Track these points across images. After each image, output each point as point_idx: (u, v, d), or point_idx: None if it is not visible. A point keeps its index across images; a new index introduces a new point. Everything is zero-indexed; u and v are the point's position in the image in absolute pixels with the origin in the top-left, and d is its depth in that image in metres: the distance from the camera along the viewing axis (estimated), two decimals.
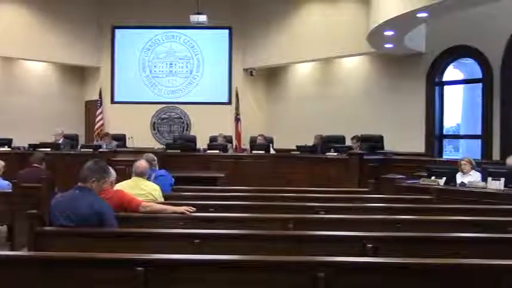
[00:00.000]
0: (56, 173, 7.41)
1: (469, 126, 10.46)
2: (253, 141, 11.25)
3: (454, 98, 10.67)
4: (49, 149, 9.61)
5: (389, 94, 11.05)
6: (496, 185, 6.38)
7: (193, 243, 3.37)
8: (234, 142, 12.24)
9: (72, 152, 9.87)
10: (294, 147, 10.27)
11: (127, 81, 13.23)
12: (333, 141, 10.16)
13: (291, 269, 2.69)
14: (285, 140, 11.82)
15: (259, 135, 11.22)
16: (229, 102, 13.15)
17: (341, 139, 10.48)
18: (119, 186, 4.64)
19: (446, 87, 10.53)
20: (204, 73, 13.30)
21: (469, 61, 10.11)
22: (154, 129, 13.23)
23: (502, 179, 6.39)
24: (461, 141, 11.03)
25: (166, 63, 13.33)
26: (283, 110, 13.34)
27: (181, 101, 13.22)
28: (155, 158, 5.98)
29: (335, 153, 9.34)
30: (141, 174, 4.91)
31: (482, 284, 2.68)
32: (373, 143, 9.82)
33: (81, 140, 12.13)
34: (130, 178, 4.93)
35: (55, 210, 3.55)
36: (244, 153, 10.92)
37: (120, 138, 11.23)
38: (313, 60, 12.39)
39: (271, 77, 13.75)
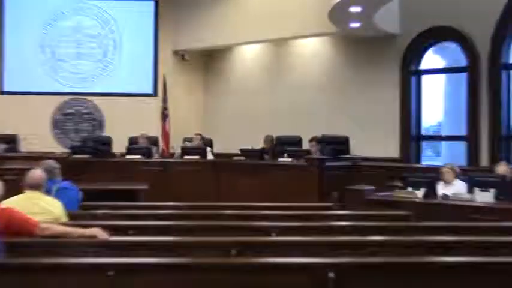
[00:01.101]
0: None
1: (452, 126, 10.75)
2: (187, 141, 11.21)
3: (435, 90, 10.94)
4: None
5: (356, 85, 11.22)
6: (485, 197, 6.57)
7: (107, 277, 3.30)
8: (161, 145, 12.10)
9: None
10: (238, 151, 10.27)
11: (20, 65, 12.85)
12: (286, 144, 10.22)
13: None
14: (227, 142, 11.80)
15: (196, 134, 11.18)
16: (155, 94, 13.00)
17: (297, 141, 10.55)
18: (7, 203, 4.48)
19: (424, 77, 10.79)
20: (122, 56, 13.09)
21: (452, 45, 10.40)
22: (56, 128, 12.91)
23: (492, 190, 6.59)
24: (443, 143, 11.33)
25: (73, 43, 13.04)
26: (224, 104, 13.30)
27: (92, 92, 12.97)
28: (57, 166, 5.89)
29: (289, 159, 9.39)
30: (36, 187, 4.79)
31: None
32: (337, 145, 9.94)
33: None
34: (22, 192, 4.78)
35: None
36: (174, 159, 10.83)
37: (10, 140, 10.95)
38: (262, 42, 12.41)
39: (209, 62, 13.68)
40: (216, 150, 11.22)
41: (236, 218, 5.50)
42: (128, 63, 13.10)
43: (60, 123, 12.96)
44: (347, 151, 10.06)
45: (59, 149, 12.06)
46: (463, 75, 10.14)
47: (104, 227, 4.22)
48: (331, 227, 5.17)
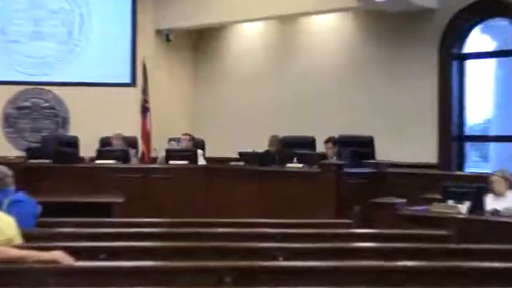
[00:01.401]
0: None
1: (504, 123, 10.73)
2: (172, 141, 11.22)
3: (482, 78, 10.93)
4: None
5: (383, 72, 11.22)
6: None
7: None
8: (141, 147, 12.12)
9: None
10: (236, 155, 10.29)
11: None
12: (296, 146, 10.25)
13: None
14: (222, 144, 11.84)
15: (184, 135, 11.17)
16: (133, 83, 13.02)
17: (309, 142, 10.58)
18: None
19: (469, 63, 10.80)
20: (91, 36, 13.10)
21: (503, 22, 10.38)
22: (7, 126, 12.93)
23: None
24: (492, 145, 11.33)
25: (30, 20, 13.04)
26: (218, 95, 13.31)
27: (53, 81, 12.98)
28: (9, 174, 5.90)
29: (299, 164, 9.39)
30: None
31: None
32: (359, 147, 9.96)
33: None
34: None
35: None
36: (157, 165, 10.85)
37: None
38: (265, 19, 12.43)
39: (200, 44, 13.71)
40: (208, 154, 11.26)
41: (233, 238, 5.48)
42: (99, 45, 13.11)
43: (13, 119, 12.96)
44: (372, 155, 10.06)
45: (12, 151, 12.10)
46: None
47: (68, 250, 4.22)
48: (352, 250, 5.17)
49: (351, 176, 8.97)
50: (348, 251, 5.08)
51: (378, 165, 9.62)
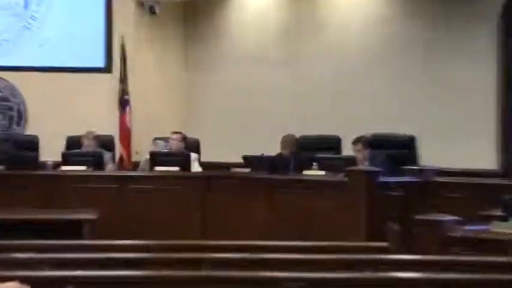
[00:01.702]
0: None
1: None
2: (158, 141, 11.22)
3: None
4: None
5: (426, 55, 11.25)
6: None
7: None
8: (119, 149, 12.13)
9: None
10: (240, 160, 10.30)
11: None
12: (317, 148, 10.30)
13: None
14: (221, 146, 11.87)
15: (174, 133, 11.20)
16: (108, 69, 13.04)
17: (333, 143, 10.63)
18: None
19: None
20: (54, 9, 13.12)
21: None
22: None
23: None
24: None
25: None
26: (216, 84, 13.33)
27: (6, 65, 13.02)
28: None
29: (321, 172, 9.38)
30: None
31: None
32: (397, 150, 10.02)
33: None
34: None
35: None
36: (139, 172, 10.87)
37: None
38: None
39: (193, 18, 13.75)
40: (204, 158, 11.28)
41: (236, 265, 5.47)
42: (65, 21, 13.15)
43: None
44: (413, 159, 10.09)
45: None
46: None
47: (26, 280, 4.19)
48: (390, 281, 5.15)
49: (386, 186, 8.93)
50: (384, 283, 5.06)
51: (421, 172, 9.55)
